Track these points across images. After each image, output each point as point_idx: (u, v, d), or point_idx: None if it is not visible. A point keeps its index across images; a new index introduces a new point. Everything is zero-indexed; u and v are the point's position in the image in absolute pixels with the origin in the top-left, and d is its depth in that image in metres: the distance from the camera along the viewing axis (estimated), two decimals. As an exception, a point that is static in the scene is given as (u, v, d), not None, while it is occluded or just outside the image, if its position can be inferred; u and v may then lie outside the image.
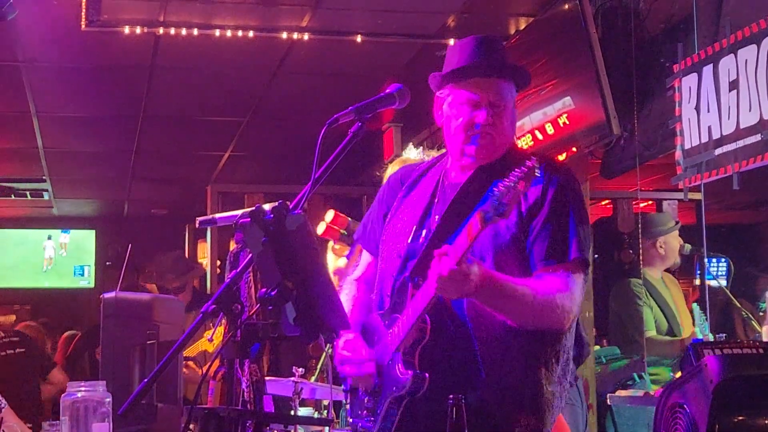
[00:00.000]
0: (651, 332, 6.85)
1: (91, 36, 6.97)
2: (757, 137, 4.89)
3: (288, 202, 2.66)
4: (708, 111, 5.29)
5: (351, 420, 3.31)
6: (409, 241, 3.25)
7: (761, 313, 6.92)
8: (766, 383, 2.57)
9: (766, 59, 4.83)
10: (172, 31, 6.88)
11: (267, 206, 2.64)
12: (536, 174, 2.75)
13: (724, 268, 8.31)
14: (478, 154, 3.22)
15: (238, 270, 2.75)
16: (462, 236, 2.85)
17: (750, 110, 4.95)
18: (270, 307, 2.59)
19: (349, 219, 4.93)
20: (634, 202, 9.30)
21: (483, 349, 3.08)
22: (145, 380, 2.63)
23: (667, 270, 7.42)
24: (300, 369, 5.28)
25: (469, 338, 3.08)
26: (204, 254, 12.82)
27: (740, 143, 5.03)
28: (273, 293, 2.59)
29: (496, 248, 3.10)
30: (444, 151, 4.49)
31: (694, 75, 5.42)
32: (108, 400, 3.38)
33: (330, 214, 5.30)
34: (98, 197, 13.56)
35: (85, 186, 12.68)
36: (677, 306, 7.10)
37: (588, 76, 6.17)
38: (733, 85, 5.09)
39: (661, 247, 7.07)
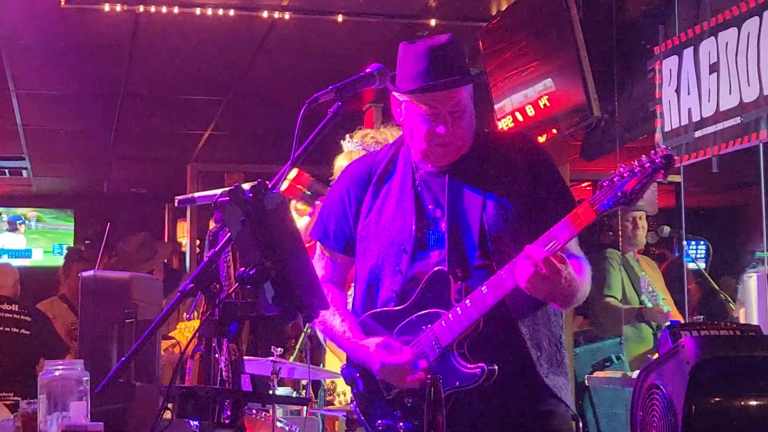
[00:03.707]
0: (611, 298, 6.91)
1: (71, 13, 6.93)
2: (737, 120, 4.91)
3: (267, 182, 2.65)
4: (688, 93, 5.30)
5: (380, 421, 3.22)
6: (414, 234, 3.22)
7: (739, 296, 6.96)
8: (742, 365, 2.59)
9: (747, 42, 4.84)
10: (152, 9, 6.83)
11: (246, 185, 2.63)
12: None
13: (703, 251, 8.36)
14: (442, 159, 3.24)
15: (216, 249, 2.74)
16: (557, 231, 2.92)
17: (730, 93, 4.96)
18: (248, 286, 2.59)
19: (312, 178, 4.90)
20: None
21: (523, 326, 3.14)
22: (123, 359, 2.63)
23: (645, 254, 7.48)
24: (279, 349, 5.28)
25: (511, 318, 3.12)
26: (183, 233, 12.81)
27: (720, 126, 5.05)
28: (252, 272, 2.58)
29: (510, 227, 3.15)
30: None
31: (675, 57, 5.43)
32: (86, 378, 3.37)
33: (293, 172, 5.24)
34: (77, 175, 13.50)
35: (64, 164, 12.62)
36: (655, 287, 7.16)
37: (569, 58, 6.17)
38: (714, 67, 5.11)
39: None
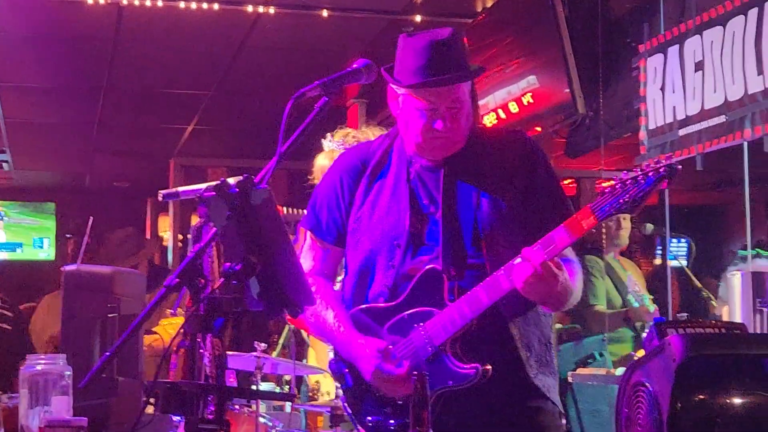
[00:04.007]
0: (598, 306, 6.92)
1: (54, 5, 6.91)
2: (722, 118, 4.93)
3: (253, 177, 2.63)
4: (673, 91, 5.32)
5: (370, 418, 3.21)
6: (408, 229, 3.20)
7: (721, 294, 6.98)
8: (727, 363, 2.60)
9: (732, 41, 4.86)
10: (136, 1, 6.82)
11: (231, 180, 2.62)
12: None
13: (685, 249, 8.37)
14: (437, 153, 3.22)
15: (201, 244, 2.73)
16: (557, 236, 2.90)
17: (715, 91, 4.98)
18: (234, 282, 2.57)
19: (283, 211, 4.89)
20: (597, 182, 9.34)
21: (514, 327, 3.13)
22: (107, 354, 2.61)
23: (623, 254, 7.49)
24: (262, 344, 5.27)
25: (503, 319, 3.11)
26: (165, 228, 12.77)
27: (704, 124, 5.07)
28: (237, 268, 2.57)
29: (504, 226, 3.14)
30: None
31: (660, 55, 5.45)
32: (68, 373, 3.35)
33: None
34: (59, 169, 13.45)
35: (46, 157, 12.57)
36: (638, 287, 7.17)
37: (553, 55, 6.18)
38: (699, 66, 5.13)
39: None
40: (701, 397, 2.57)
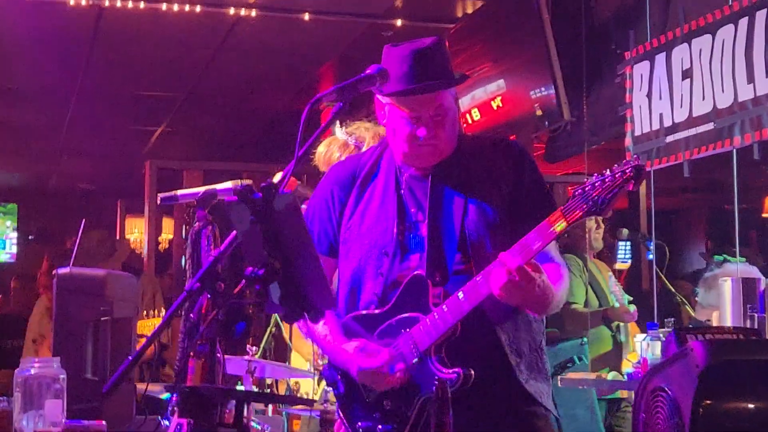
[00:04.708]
0: (576, 305, 6.97)
1: (33, 5, 6.85)
2: (710, 126, 4.98)
3: (275, 182, 2.64)
4: (660, 99, 5.37)
5: (360, 423, 3.23)
6: (395, 237, 3.22)
7: (696, 299, 7.04)
8: (750, 369, 2.63)
9: (722, 49, 4.91)
10: (119, 3, 6.78)
11: (235, 184, 2.62)
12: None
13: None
14: (424, 162, 3.24)
15: (221, 248, 2.72)
16: (530, 239, 2.91)
17: (703, 99, 5.04)
18: (257, 287, 2.57)
19: (298, 182, 4.85)
20: (569, 186, 9.39)
21: (502, 332, 3.14)
22: (130, 358, 2.61)
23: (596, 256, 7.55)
24: (254, 347, 5.27)
25: (490, 324, 3.12)
26: (132, 230, 12.69)
27: (692, 131, 5.12)
28: (260, 272, 2.56)
29: (490, 231, 3.16)
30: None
31: (647, 62, 5.49)
32: (62, 376, 3.33)
33: (277, 177, 5.17)
34: (23, 170, 13.32)
35: (10, 158, 12.44)
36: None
37: (540, 61, 6.19)
38: (687, 73, 5.18)
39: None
40: (724, 402, 2.60)
